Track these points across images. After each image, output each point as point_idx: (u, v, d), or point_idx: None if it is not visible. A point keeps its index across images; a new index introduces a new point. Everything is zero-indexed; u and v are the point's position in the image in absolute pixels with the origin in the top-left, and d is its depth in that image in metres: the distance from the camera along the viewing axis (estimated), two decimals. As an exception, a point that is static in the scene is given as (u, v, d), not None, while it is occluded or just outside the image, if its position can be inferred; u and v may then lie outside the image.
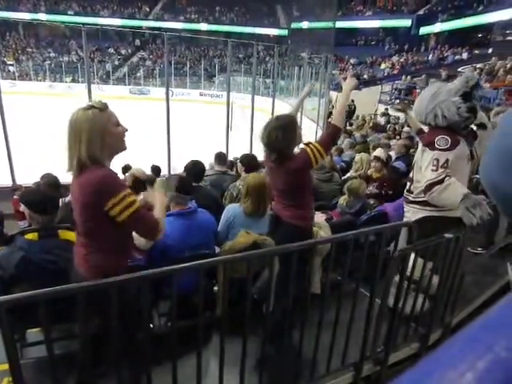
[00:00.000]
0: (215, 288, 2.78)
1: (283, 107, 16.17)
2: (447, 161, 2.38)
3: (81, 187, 1.57)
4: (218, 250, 2.80)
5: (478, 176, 2.99)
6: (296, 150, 2.37)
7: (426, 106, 2.60)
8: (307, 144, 2.28)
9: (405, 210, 2.80)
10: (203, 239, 2.65)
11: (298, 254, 1.88)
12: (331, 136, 2.36)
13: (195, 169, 3.55)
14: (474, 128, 2.74)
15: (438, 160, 2.40)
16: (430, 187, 2.38)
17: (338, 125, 2.32)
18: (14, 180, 6.81)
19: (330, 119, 14.71)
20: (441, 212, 2.51)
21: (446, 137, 2.43)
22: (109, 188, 1.55)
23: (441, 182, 2.33)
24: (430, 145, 2.48)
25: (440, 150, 2.41)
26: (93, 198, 1.55)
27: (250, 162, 3.91)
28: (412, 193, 2.70)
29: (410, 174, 2.82)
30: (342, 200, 3.72)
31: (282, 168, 2.32)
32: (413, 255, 2.29)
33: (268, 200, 2.87)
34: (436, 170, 2.38)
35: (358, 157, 5.19)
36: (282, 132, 2.26)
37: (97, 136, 1.56)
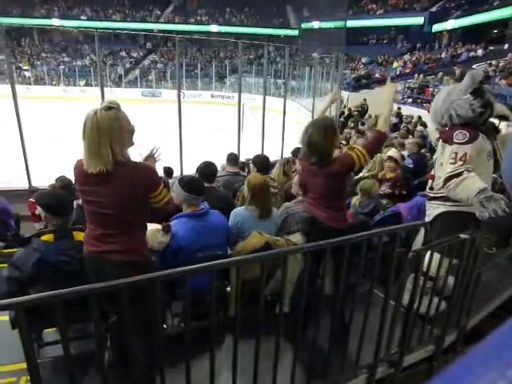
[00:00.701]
0: (228, 289, 2.79)
1: (295, 107, 16.18)
2: (465, 154, 2.37)
3: (128, 179, 1.76)
4: (229, 251, 2.82)
5: (495, 175, 2.94)
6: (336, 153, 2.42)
7: (440, 108, 2.63)
8: (351, 148, 2.31)
9: (426, 207, 2.80)
10: (215, 240, 2.66)
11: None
12: (378, 142, 2.46)
13: (207, 170, 3.57)
14: (496, 122, 2.72)
15: (456, 153, 2.40)
16: (447, 180, 2.37)
17: (384, 131, 2.43)
18: (30, 183, 6.95)
19: (341, 119, 14.65)
20: (460, 207, 2.49)
21: (463, 131, 2.44)
22: (156, 180, 1.87)
23: (459, 175, 2.31)
24: (449, 140, 2.49)
25: (458, 143, 2.41)
26: (142, 188, 1.80)
27: (262, 163, 3.92)
28: (433, 189, 2.71)
29: (432, 172, 2.83)
30: (355, 200, 3.70)
31: (322, 171, 2.32)
32: (429, 252, 2.27)
33: (270, 199, 2.91)
34: (454, 163, 2.37)
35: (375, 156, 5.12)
36: (323, 135, 2.28)
37: (125, 133, 1.75)
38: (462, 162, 2.36)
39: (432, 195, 2.71)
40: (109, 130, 1.69)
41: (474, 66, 15.45)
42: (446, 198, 2.54)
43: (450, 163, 2.40)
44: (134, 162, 1.83)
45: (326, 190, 2.41)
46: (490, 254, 3.58)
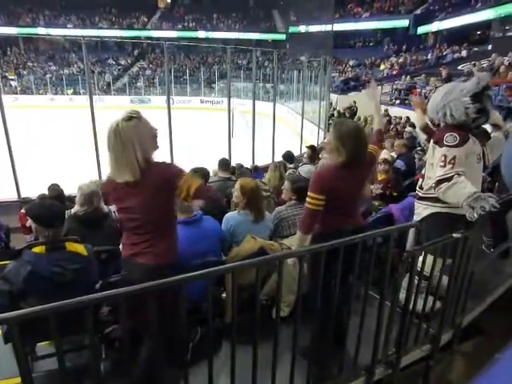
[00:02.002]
0: (223, 295, 2.78)
1: (284, 111, 16.26)
2: (454, 157, 2.39)
3: (164, 180, 1.82)
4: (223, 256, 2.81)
5: (483, 174, 2.98)
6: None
7: (437, 104, 2.63)
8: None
9: (415, 206, 2.82)
10: (209, 247, 2.65)
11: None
12: (381, 139, 2.64)
13: (198, 176, 3.55)
14: (490, 128, 2.75)
15: (445, 156, 2.42)
16: (438, 183, 2.39)
17: (380, 128, 2.69)
18: (19, 193, 6.85)
19: (330, 121, 14.75)
20: (450, 209, 2.50)
21: (454, 134, 2.45)
22: (175, 174, 1.84)
23: (449, 179, 2.34)
24: (440, 141, 2.51)
25: (448, 146, 2.43)
26: (174, 187, 1.80)
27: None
28: (422, 189, 2.73)
29: (423, 171, 2.86)
30: (347, 202, 3.72)
31: (358, 171, 2.28)
32: (422, 255, 2.29)
33: (262, 203, 2.92)
34: (444, 167, 2.40)
35: None
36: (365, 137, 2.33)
37: (148, 140, 1.83)
38: (451, 166, 2.37)
39: (421, 195, 2.73)
40: (131, 141, 1.76)
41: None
42: (435, 199, 2.56)
43: (440, 166, 2.42)
44: (156, 164, 1.88)
45: (360, 192, 2.44)
46: (482, 252, 3.63)
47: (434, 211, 2.59)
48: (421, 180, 2.81)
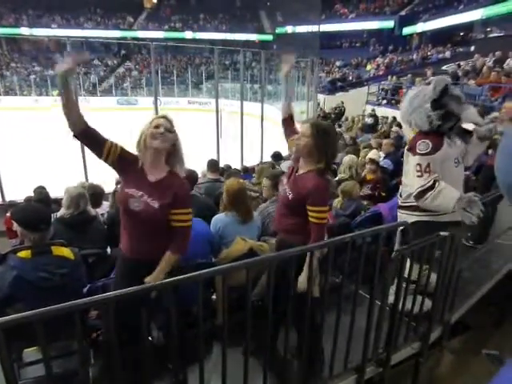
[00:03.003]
0: (213, 297, 2.76)
1: (272, 111, 16.26)
2: (429, 165, 2.37)
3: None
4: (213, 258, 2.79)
5: (467, 172, 2.99)
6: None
7: (404, 112, 2.61)
8: None
9: (398, 214, 2.76)
10: (199, 249, 2.63)
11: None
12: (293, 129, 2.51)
13: (187, 177, 3.51)
14: (469, 127, 2.65)
15: (420, 165, 2.40)
16: (421, 194, 2.37)
17: None
18: (3, 197, 6.72)
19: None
20: (431, 217, 2.50)
21: (426, 141, 2.41)
22: None
23: (431, 187, 2.32)
24: (412, 149, 2.48)
25: (420, 154, 2.41)
26: None
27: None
28: (401, 196, 2.68)
29: (402, 177, 2.81)
30: (336, 202, 3.74)
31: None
32: (408, 261, 2.28)
33: (249, 203, 2.91)
34: (421, 176, 2.38)
35: (344, 159, 5.17)
36: None
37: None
38: (428, 174, 2.36)
39: (400, 203, 2.69)
40: None
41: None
42: (414, 208, 2.53)
43: (417, 176, 2.39)
44: None
45: None
46: (469, 249, 3.68)
47: (415, 220, 2.54)
48: (401, 187, 2.78)
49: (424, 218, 2.52)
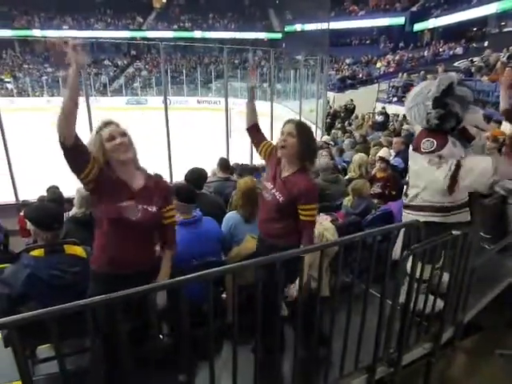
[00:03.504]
0: (223, 295, 2.77)
1: (281, 110, 16.25)
2: (440, 157, 2.32)
3: None
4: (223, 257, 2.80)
5: None
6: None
7: (407, 106, 2.56)
8: None
9: (404, 218, 2.68)
10: (209, 247, 2.64)
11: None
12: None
13: (196, 176, 3.53)
14: (473, 131, 2.53)
15: (431, 160, 2.34)
16: (453, 181, 2.26)
17: None
18: (16, 196, 6.83)
19: (328, 120, 14.75)
20: (436, 217, 2.45)
21: (430, 139, 2.37)
22: None
23: (458, 168, 2.25)
24: (418, 148, 2.44)
25: (426, 152, 2.37)
26: None
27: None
28: (407, 196, 2.62)
29: (407, 178, 2.76)
30: (346, 201, 3.71)
31: None
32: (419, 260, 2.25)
33: None
34: (440, 166, 2.31)
35: (354, 158, 5.13)
36: None
37: None
38: (444, 160, 2.30)
39: (406, 202, 2.62)
40: None
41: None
42: (420, 208, 2.48)
43: (437, 168, 2.32)
44: None
45: None
46: (483, 248, 3.62)
47: (424, 220, 2.44)
48: (405, 187, 2.71)
49: (430, 218, 2.46)
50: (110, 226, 1.82)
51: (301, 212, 2.07)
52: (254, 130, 2.41)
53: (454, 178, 2.27)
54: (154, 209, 1.88)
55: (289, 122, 2.15)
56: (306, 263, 1.95)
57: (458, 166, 2.26)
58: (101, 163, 1.79)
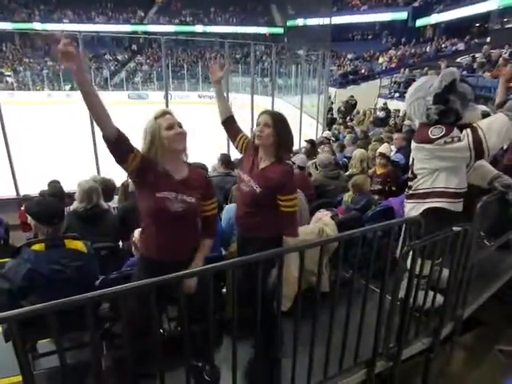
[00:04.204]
0: (223, 290, 2.77)
1: (282, 105, 16.20)
2: (452, 136, 2.26)
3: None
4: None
5: None
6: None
7: (407, 100, 2.53)
8: None
9: (406, 208, 2.68)
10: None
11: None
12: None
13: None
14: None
15: (446, 142, 2.27)
16: (479, 144, 2.21)
17: None
18: (17, 191, 6.83)
19: (329, 115, 14.71)
20: (443, 203, 2.43)
21: (438, 126, 2.34)
22: None
23: (475, 131, 2.22)
24: (426, 139, 2.37)
25: (438, 137, 2.30)
26: None
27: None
28: (411, 188, 2.60)
29: (409, 174, 2.71)
30: (347, 197, 3.71)
31: None
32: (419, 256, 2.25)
33: None
34: (459, 140, 2.25)
35: (354, 153, 5.12)
36: None
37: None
38: (461, 133, 2.25)
39: (411, 192, 2.60)
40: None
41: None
42: (426, 195, 2.45)
43: (459, 141, 2.25)
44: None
45: None
46: (483, 244, 3.62)
47: (428, 207, 2.46)
48: (409, 182, 2.67)
49: (436, 204, 2.43)
50: (150, 216, 1.88)
51: (281, 204, 2.08)
52: (228, 123, 2.42)
53: (478, 142, 2.22)
54: (193, 200, 1.88)
55: (264, 112, 2.15)
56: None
57: (474, 129, 2.23)
58: (146, 152, 1.82)
